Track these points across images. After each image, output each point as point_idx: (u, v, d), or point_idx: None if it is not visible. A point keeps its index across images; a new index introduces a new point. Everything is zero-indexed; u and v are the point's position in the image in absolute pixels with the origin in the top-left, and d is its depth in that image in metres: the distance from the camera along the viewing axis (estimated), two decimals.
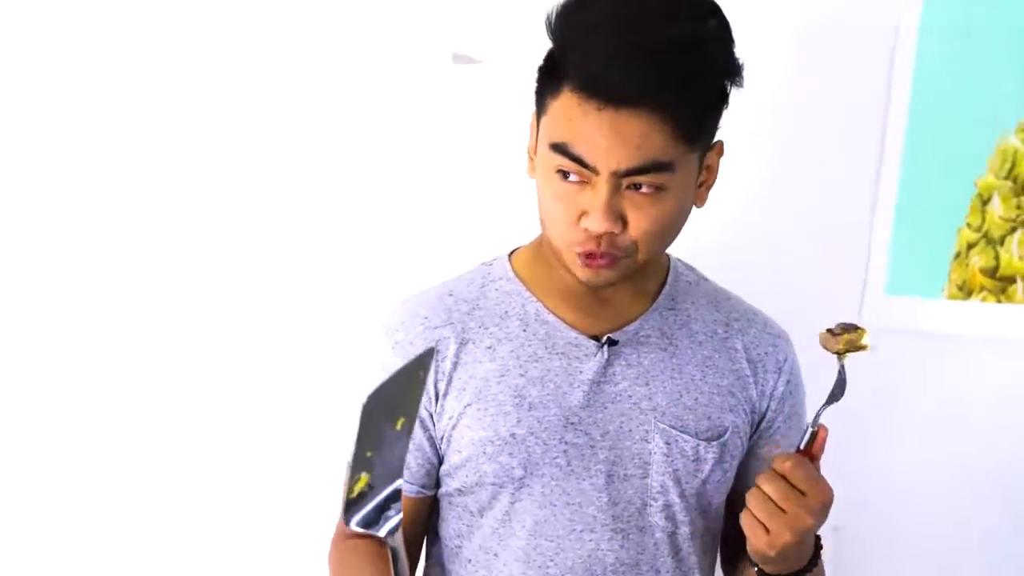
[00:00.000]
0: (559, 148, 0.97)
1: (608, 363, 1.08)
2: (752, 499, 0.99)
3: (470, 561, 1.11)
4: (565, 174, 0.98)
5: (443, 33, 1.47)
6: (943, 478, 1.62)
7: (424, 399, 1.08)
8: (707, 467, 1.10)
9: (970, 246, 1.57)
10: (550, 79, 0.98)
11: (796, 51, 1.51)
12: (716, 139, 1.05)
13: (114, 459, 1.56)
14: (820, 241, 1.57)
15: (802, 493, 0.98)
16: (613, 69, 0.92)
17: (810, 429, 1.01)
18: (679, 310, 1.14)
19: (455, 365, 1.09)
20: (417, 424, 1.09)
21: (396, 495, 0.81)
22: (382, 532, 0.80)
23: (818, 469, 1.01)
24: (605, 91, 0.93)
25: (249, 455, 1.59)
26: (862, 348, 1.02)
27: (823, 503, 0.99)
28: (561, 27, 0.96)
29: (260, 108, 1.49)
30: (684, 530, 1.11)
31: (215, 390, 1.56)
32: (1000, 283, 1.57)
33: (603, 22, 0.94)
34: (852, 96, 1.53)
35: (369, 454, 0.78)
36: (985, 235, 1.56)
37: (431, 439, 1.10)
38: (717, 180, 1.47)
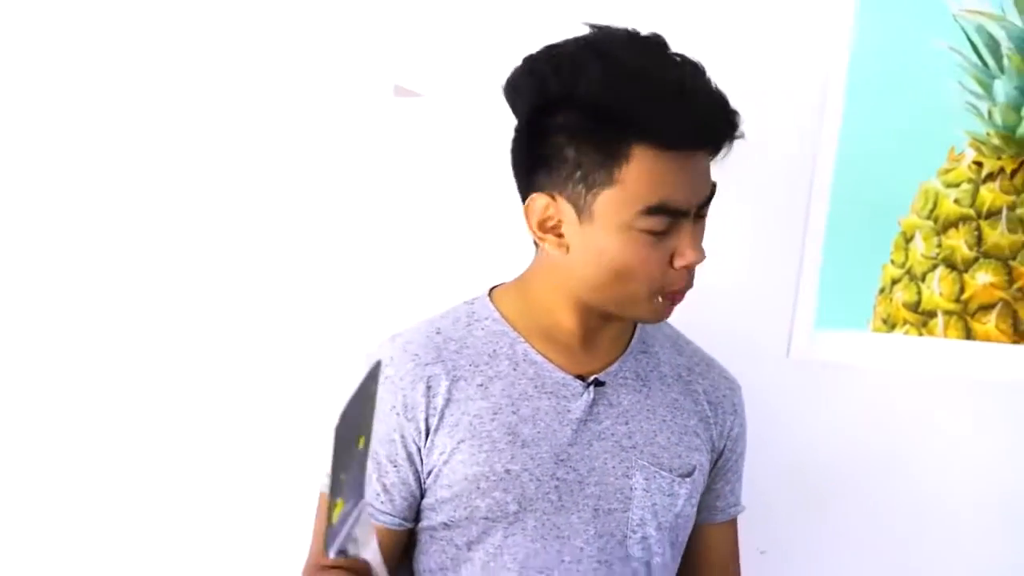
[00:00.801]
0: (658, 209, 1.02)
1: (593, 402, 1.13)
2: None
3: None
4: (657, 231, 1.03)
5: (385, 66, 1.48)
6: (872, 505, 1.66)
7: (413, 433, 1.11)
8: (680, 501, 1.16)
9: (894, 282, 1.63)
10: (606, 149, 1.01)
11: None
12: None
13: (113, 459, 1.54)
14: (750, 278, 1.61)
15: None
16: (688, 121, 1.00)
17: None
18: (650, 353, 1.20)
19: (447, 402, 1.11)
20: (403, 458, 1.11)
21: (363, 516, 0.81)
22: (366, 555, 0.81)
23: None
24: (685, 141, 1.01)
25: (247, 456, 1.58)
26: None
27: None
28: (618, 99, 0.99)
29: (206, 136, 1.48)
30: (657, 560, 1.17)
31: (213, 390, 1.54)
32: (922, 317, 1.63)
33: (650, 83, 0.99)
34: (783, 141, 1.57)
35: (343, 477, 0.79)
36: (908, 271, 1.62)
37: (416, 473, 1.12)
38: None
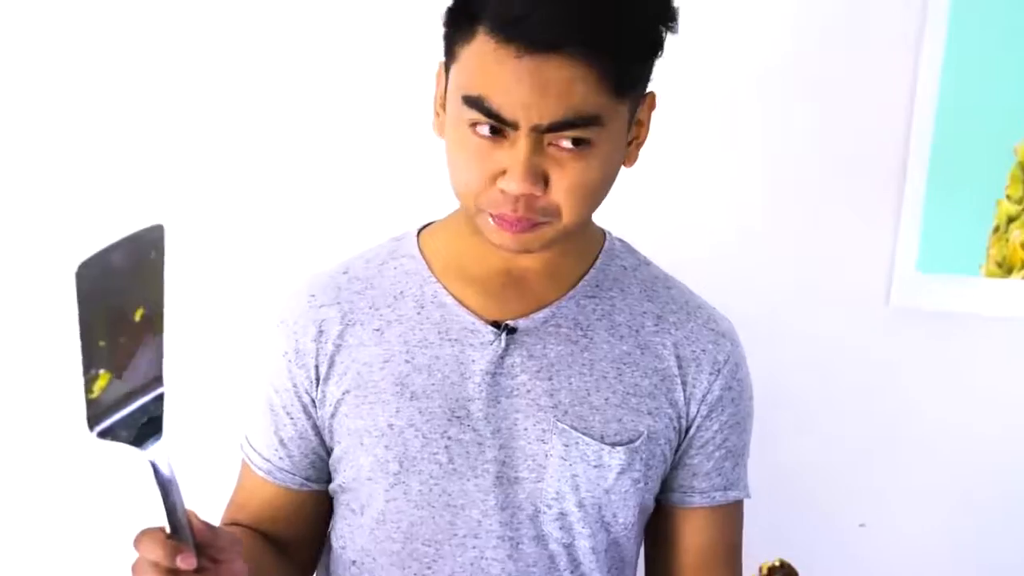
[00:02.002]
0: (473, 101, 0.85)
1: (506, 353, 0.97)
2: None
3: (353, 563, 1.02)
4: (479, 131, 0.86)
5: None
6: (979, 471, 1.51)
7: (304, 381, 1.00)
8: (611, 475, 0.98)
9: (1010, 219, 1.44)
10: (461, 22, 0.87)
11: (825, 26, 1.41)
12: (648, 91, 0.93)
13: (111, 459, 1.48)
14: (844, 215, 1.46)
15: None
16: (534, 10, 0.81)
17: None
18: (602, 298, 1.01)
19: (338, 347, 0.99)
20: (299, 409, 1.01)
21: (155, 407, 0.70)
22: (146, 450, 0.70)
23: None
24: (525, 35, 0.82)
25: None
26: None
27: None
28: None
29: (250, 112, 1.43)
30: (583, 543, 1.00)
31: (210, 390, 1.49)
32: None
33: None
34: (880, 58, 1.41)
35: (103, 344, 0.69)
36: None
37: (315, 427, 1.01)
38: (740, 159, 1.41)
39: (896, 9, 1.40)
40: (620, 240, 1.06)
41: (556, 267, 0.99)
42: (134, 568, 0.78)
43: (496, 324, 0.98)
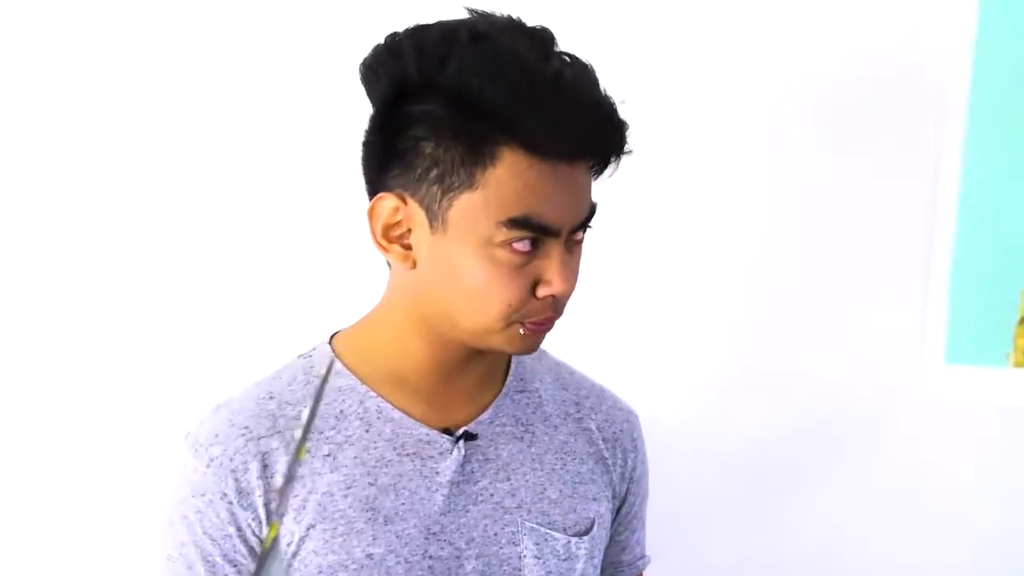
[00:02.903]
0: (520, 222, 0.85)
1: (465, 459, 0.96)
2: None
3: None
4: (521, 249, 0.87)
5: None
6: (1007, 561, 1.49)
7: (252, 523, 0.92)
8: (580, 564, 0.99)
9: None
10: (469, 146, 0.85)
11: (844, 110, 1.44)
12: None
13: (111, 459, 1.49)
14: (871, 307, 1.47)
15: None
16: (565, 125, 0.84)
17: None
18: (530, 392, 1.02)
19: (289, 480, 0.93)
20: (245, 554, 0.93)
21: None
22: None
23: None
24: (561, 148, 0.85)
25: None
26: None
27: None
28: (483, 93, 0.84)
29: (253, 114, 1.43)
30: None
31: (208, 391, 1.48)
32: None
33: (530, 80, 0.84)
34: (902, 155, 1.45)
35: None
36: None
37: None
38: (770, 249, 1.43)
39: (916, 101, 1.44)
40: None
41: (485, 366, 0.99)
42: None
43: (447, 431, 0.96)
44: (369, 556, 0.92)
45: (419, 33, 0.87)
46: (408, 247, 0.90)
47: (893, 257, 1.46)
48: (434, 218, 0.87)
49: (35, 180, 1.43)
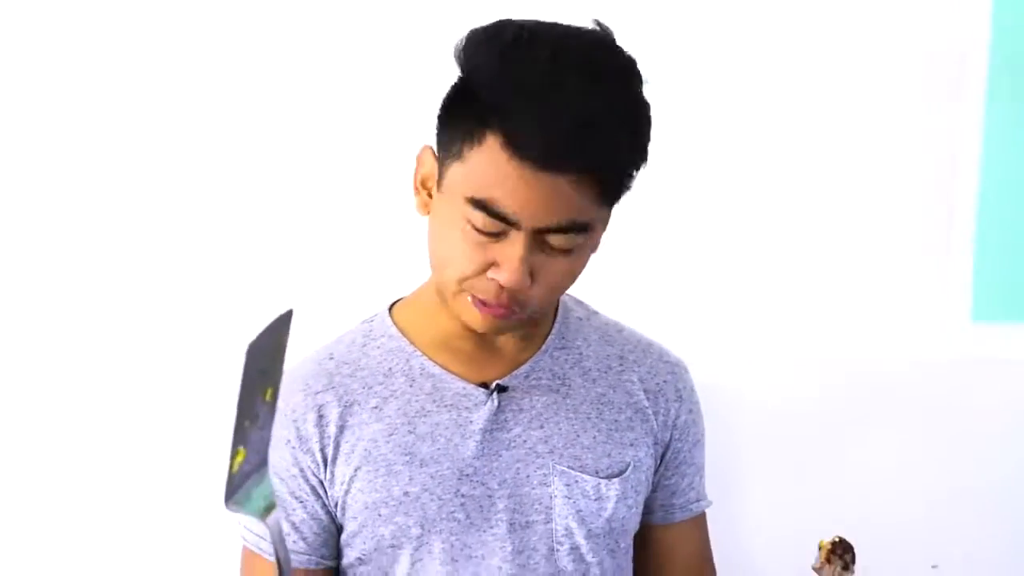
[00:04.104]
0: (481, 205, 0.92)
1: (499, 410, 1.05)
2: None
3: None
4: (480, 229, 0.93)
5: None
6: None
7: (311, 465, 1.05)
8: (610, 504, 1.07)
9: None
10: (469, 124, 0.93)
11: (864, 70, 1.48)
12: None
13: (110, 459, 1.53)
14: (897, 270, 1.50)
15: None
16: (550, 135, 0.89)
17: None
18: (570, 349, 1.11)
19: (341, 429, 1.05)
20: (308, 492, 1.06)
21: (266, 474, 0.76)
22: (262, 516, 0.75)
23: None
24: (541, 157, 0.90)
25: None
26: None
27: None
28: (491, 78, 0.92)
29: (258, 113, 1.48)
30: (595, 572, 1.08)
31: (208, 391, 1.48)
32: None
33: (536, 82, 0.90)
34: (923, 114, 1.48)
35: (247, 423, 0.74)
36: None
37: (325, 507, 1.07)
38: (792, 215, 1.48)
39: (936, 58, 1.47)
40: (570, 295, 1.14)
41: (526, 330, 1.07)
42: None
43: (484, 385, 1.05)
44: (406, 494, 1.03)
45: (487, 25, 0.96)
46: (431, 197, 1.00)
47: (917, 217, 1.50)
48: (440, 178, 0.97)
49: (36, 180, 1.46)
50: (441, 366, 1.06)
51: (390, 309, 1.12)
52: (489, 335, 1.05)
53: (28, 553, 1.53)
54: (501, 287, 0.94)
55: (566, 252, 0.95)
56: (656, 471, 1.13)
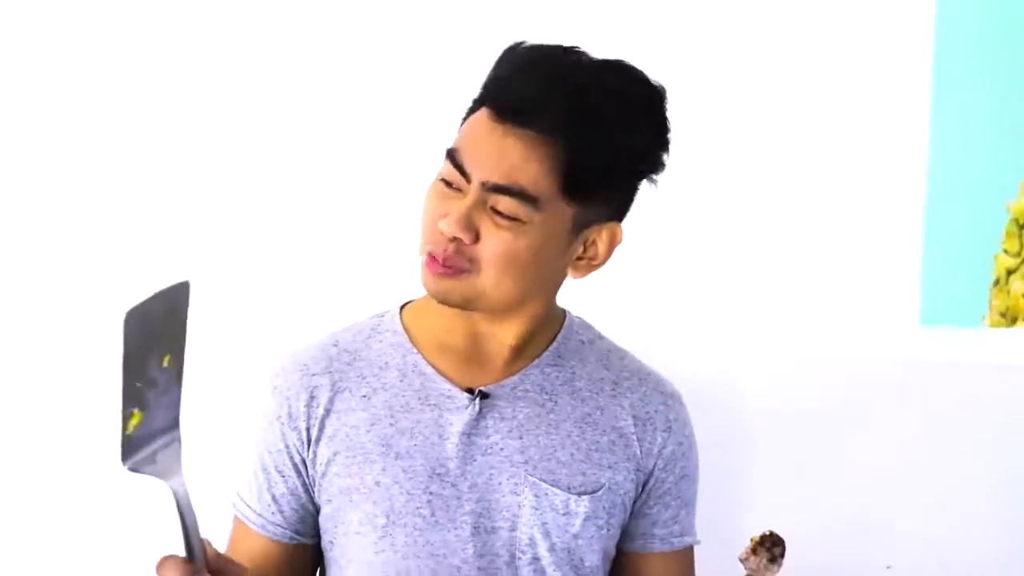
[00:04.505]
0: (449, 153, 1.01)
1: (480, 416, 1.08)
2: None
3: None
4: (448, 183, 1.01)
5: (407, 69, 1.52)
6: (994, 514, 1.55)
7: (296, 443, 1.10)
8: (578, 521, 1.08)
9: (1009, 272, 1.52)
10: (475, 106, 1.03)
11: (814, 78, 1.53)
12: (610, 221, 1.06)
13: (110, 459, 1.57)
14: (847, 275, 1.55)
15: None
16: (514, 82, 0.98)
17: None
18: (563, 367, 1.13)
19: (328, 412, 1.09)
20: (290, 468, 1.10)
21: (172, 445, 0.80)
22: (167, 479, 0.79)
23: None
24: (500, 100, 0.98)
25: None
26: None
27: None
28: (499, 57, 1.02)
29: (262, 114, 1.54)
30: None
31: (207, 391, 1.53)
32: None
33: (532, 55, 1.00)
34: (873, 122, 1.52)
35: (139, 385, 0.77)
36: None
37: (304, 485, 1.11)
38: (743, 219, 1.52)
39: (882, 67, 1.51)
40: (579, 318, 1.19)
41: (522, 341, 1.10)
42: None
43: (470, 391, 1.08)
44: (377, 483, 1.07)
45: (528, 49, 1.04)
46: None
47: (867, 223, 1.54)
48: None
49: (37, 180, 1.51)
50: (434, 367, 1.10)
51: (402, 308, 1.16)
52: (487, 340, 1.09)
53: (28, 553, 1.56)
54: (447, 238, 0.99)
55: (512, 221, 0.98)
56: (637, 498, 1.14)
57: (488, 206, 0.99)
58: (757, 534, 1.00)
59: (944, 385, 1.55)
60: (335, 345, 1.13)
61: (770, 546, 0.99)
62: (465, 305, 1.04)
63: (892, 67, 1.51)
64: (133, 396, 0.77)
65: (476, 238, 0.99)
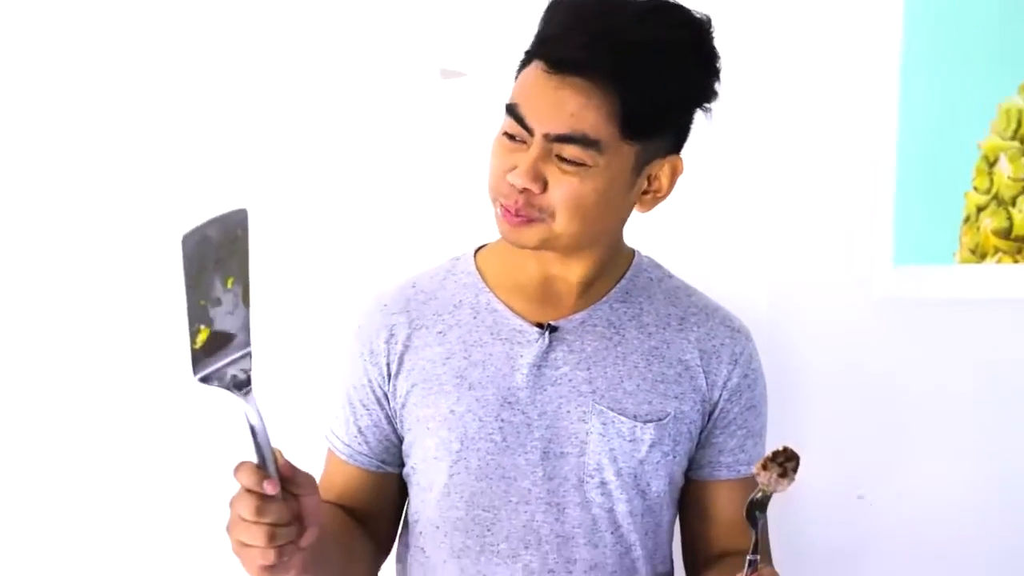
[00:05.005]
0: (509, 108, 1.04)
1: (550, 348, 1.14)
2: None
3: (422, 534, 1.19)
4: (511, 136, 1.05)
5: (430, 49, 1.51)
6: (965, 446, 1.61)
7: (378, 378, 1.18)
8: (644, 447, 1.14)
9: (980, 209, 1.55)
10: (526, 59, 1.06)
11: (782, 24, 1.52)
12: (671, 154, 1.09)
13: (110, 459, 1.58)
14: (820, 217, 1.57)
15: None
16: (567, 36, 1.00)
17: (747, 559, 1.01)
18: (632, 303, 1.19)
19: (406, 348, 1.17)
20: (373, 402, 1.18)
21: (246, 364, 0.85)
22: (235, 391, 0.85)
23: None
24: (554, 55, 1.00)
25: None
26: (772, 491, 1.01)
27: None
28: (546, 11, 1.05)
29: (249, 119, 1.53)
30: (622, 508, 1.15)
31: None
32: (1016, 243, 1.55)
33: (579, 7, 1.02)
34: (843, 66, 1.52)
35: (203, 303, 0.82)
36: (995, 197, 1.54)
37: (387, 416, 1.19)
38: (717, 170, 1.53)
39: (852, 16, 1.50)
40: (648, 257, 1.24)
41: (591, 280, 1.16)
42: (233, 498, 0.94)
43: (540, 325, 1.15)
44: (452, 412, 1.14)
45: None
46: None
47: (840, 166, 1.55)
48: None
49: (37, 181, 1.50)
50: (505, 304, 1.17)
51: (477, 251, 1.23)
52: (557, 278, 1.14)
53: (28, 553, 1.58)
54: (518, 190, 1.04)
55: (577, 167, 1.03)
56: (704, 428, 1.19)
57: (553, 155, 1.03)
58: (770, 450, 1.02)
59: (917, 322, 1.59)
60: (413, 286, 1.21)
61: (782, 460, 1.01)
62: (540, 247, 1.09)
63: (864, 7, 1.50)
64: (198, 313, 0.82)
65: (544, 187, 1.04)
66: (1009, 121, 1.51)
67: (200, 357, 0.83)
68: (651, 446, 1.14)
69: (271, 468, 0.90)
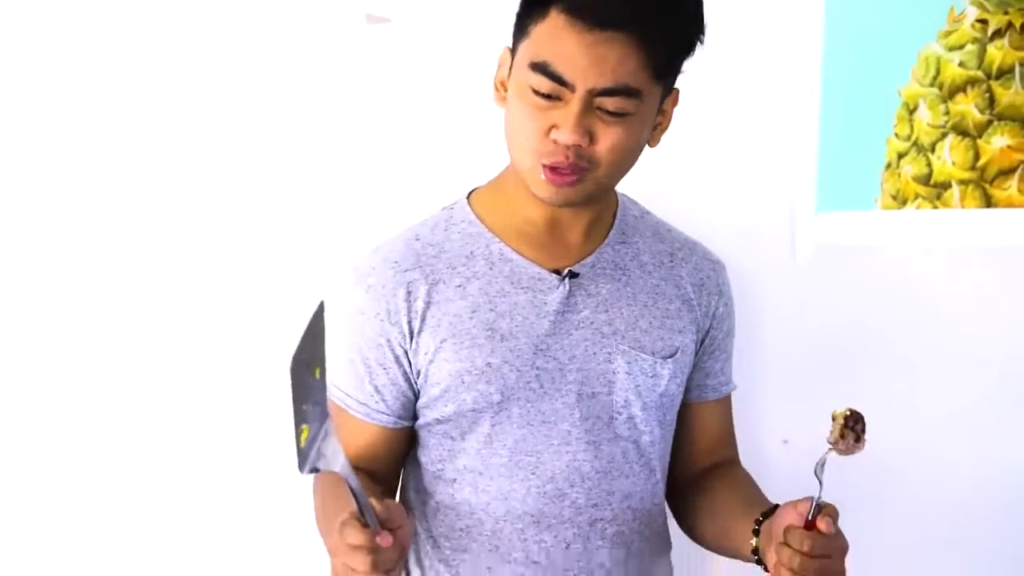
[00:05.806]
0: (540, 67, 1.04)
1: (570, 294, 1.18)
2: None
3: (455, 480, 1.21)
4: (544, 95, 1.05)
5: None
6: (887, 388, 1.64)
7: (397, 336, 1.17)
8: (664, 382, 1.21)
9: (900, 156, 1.57)
10: (537, 5, 1.05)
11: None
12: (675, 87, 1.14)
13: (110, 459, 1.59)
14: (745, 167, 1.58)
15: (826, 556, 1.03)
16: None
17: (815, 502, 1.03)
18: (629, 243, 1.23)
19: (428, 304, 1.17)
20: (392, 360, 1.19)
21: (328, 434, 0.90)
22: (336, 468, 0.90)
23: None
24: (593, 15, 1.01)
25: (243, 454, 1.62)
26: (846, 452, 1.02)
27: (843, 557, 1.06)
28: None
29: (176, 78, 1.52)
30: (646, 439, 1.23)
31: (205, 388, 1.60)
32: (935, 189, 1.58)
33: None
34: (765, 13, 1.53)
35: (304, 407, 0.87)
36: (915, 143, 1.57)
37: (406, 375, 1.19)
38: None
39: None
40: (624, 195, 1.27)
41: (590, 222, 1.20)
42: (336, 551, 0.98)
43: (557, 272, 1.18)
44: (488, 364, 1.16)
45: None
46: (507, 91, 1.11)
47: (763, 114, 1.57)
48: (512, 64, 1.10)
49: (38, 181, 1.50)
50: (517, 252, 1.18)
51: (468, 197, 1.23)
52: (558, 223, 1.17)
53: (28, 553, 1.58)
54: (566, 146, 1.05)
55: (620, 117, 1.06)
56: (696, 355, 1.28)
57: (595, 107, 1.05)
58: (839, 412, 1.02)
59: (840, 267, 1.61)
60: (418, 239, 1.20)
61: (853, 424, 1.02)
62: (585, 203, 1.13)
63: None
64: (302, 415, 0.87)
65: (591, 140, 1.05)
66: (928, 68, 1.54)
67: (303, 454, 0.87)
68: (669, 379, 1.21)
69: (372, 520, 0.94)
